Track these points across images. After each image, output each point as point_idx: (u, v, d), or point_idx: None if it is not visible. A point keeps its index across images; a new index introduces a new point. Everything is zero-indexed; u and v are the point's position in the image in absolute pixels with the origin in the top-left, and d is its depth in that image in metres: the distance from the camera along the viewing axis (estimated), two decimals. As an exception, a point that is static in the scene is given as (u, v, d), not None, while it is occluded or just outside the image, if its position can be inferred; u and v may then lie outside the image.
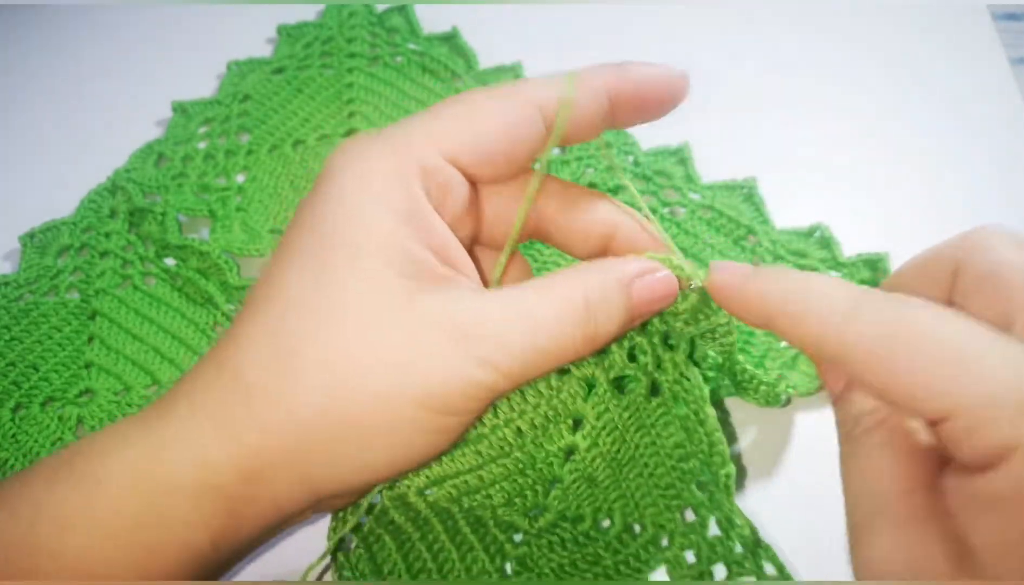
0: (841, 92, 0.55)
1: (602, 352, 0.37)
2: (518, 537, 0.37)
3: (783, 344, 0.44)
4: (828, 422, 0.42)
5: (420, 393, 0.31)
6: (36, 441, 0.43)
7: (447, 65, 0.56)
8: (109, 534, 0.29)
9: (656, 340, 0.36)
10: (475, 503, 0.37)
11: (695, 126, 0.51)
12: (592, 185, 0.50)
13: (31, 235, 0.50)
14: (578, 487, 0.37)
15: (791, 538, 0.39)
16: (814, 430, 0.43)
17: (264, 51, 0.58)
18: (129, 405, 0.44)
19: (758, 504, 0.40)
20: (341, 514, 0.38)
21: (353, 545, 0.38)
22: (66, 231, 0.50)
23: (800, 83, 0.56)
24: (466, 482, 0.37)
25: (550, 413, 0.37)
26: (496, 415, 0.37)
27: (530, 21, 0.60)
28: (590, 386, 0.37)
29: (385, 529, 0.38)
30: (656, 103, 0.35)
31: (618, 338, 0.35)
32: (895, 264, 0.45)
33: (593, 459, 0.37)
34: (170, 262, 0.49)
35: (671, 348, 0.36)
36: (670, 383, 0.36)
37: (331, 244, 0.32)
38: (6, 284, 0.48)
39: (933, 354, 0.26)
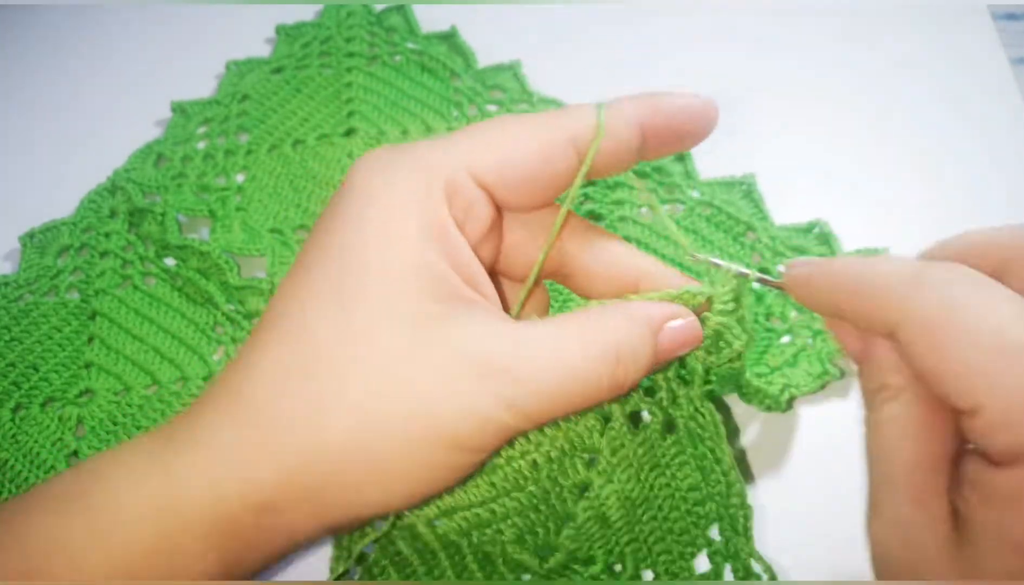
0: (841, 91, 0.55)
1: None
2: (527, 578, 0.37)
3: (784, 340, 0.44)
4: (830, 418, 0.43)
5: (445, 433, 0.30)
6: (36, 441, 0.43)
7: (446, 64, 0.56)
8: (123, 569, 0.29)
9: (671, 374, 0.36)
10: (485, 538, 0.36)
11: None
12: (590, 184, 0.50)
13: (31, 235, 0.50)
14: (591, 527, 0.36)
15: (795, 534, 0.39)
16: (817, 425, 0.43)
17: (263, 51, 0.58)
18: (129, 405, 0.44)
19: (764, 499, 0.41)
20: (345, 541, 0.37)
21: (357, 576, 0.38)
22: (66, 231, 0.50)
23: (800, 83, 0.56)
24: (478, 515, 0.36)
25: (566, 446, 0.36)
26: (513, 447, 0.36)
27: (529, 19, 0.60)
28: (606, 420, 0.37)
29: (390, 561, 0.37)
30: (689, 134, 0.34)
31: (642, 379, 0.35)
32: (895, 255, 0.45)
33: (607, 497, 0.36)
34: (170, 262, 0.49)
35: (686, 383, 0.36)
36: (685, 419, 0.36)
37: (352, 266, 0.31)
38: (6, 284, 0.48)
39: (977, 341, 0.25)
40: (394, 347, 0.30)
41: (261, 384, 0.31)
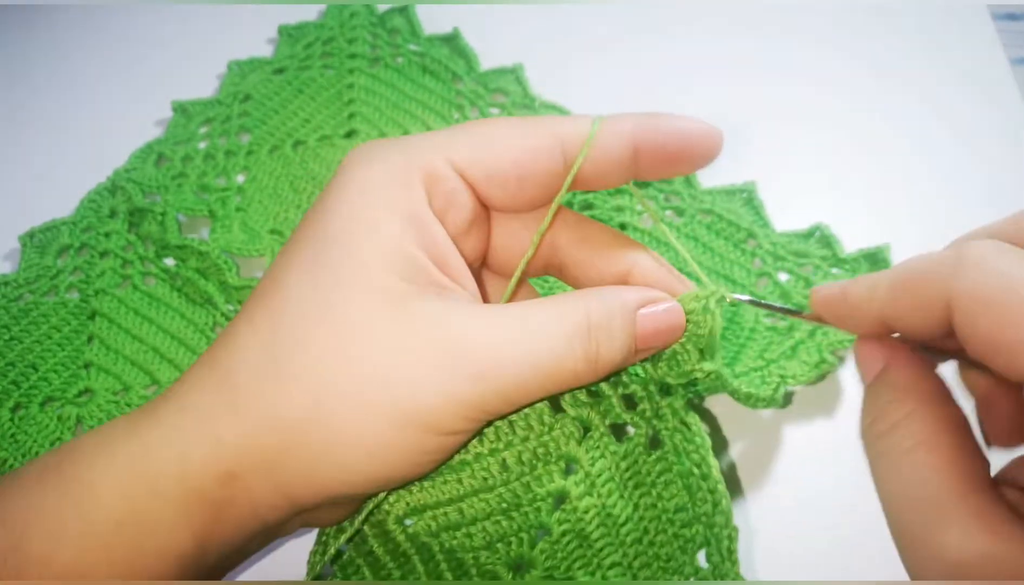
0: (841, 92, 0.55)
1: (598, 395, 0.35)
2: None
3: (782, 333, 0.44)
4: (819, 426, 0.43)
5: (406, 410, 0.30)
6: (35, 441, 0.43)
7: (448, 66, 0.56)
8: (98, 541, 0.29)
9: (652, 387, 0.35)
10: (455, 542, 0.35)
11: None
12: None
13: (31, 235, 0.50)
14: (568, 543, 0.34)
15: (785, 540, 0.39)
16: (808, 433, 0.43)
17: (265, 51, 0.58)
18: (128, 405, 0.44)
19: (753, 511, 0.41)
20: (324, 537, 0.36)
21: (332, 576, 0.36)
22: (66, 231, 0.50)
23: (800, 84, 0.56)
24: (446, 514, 0.35)
25: (540, 450, 0.35)
26: (481, 443, 0.35)
27: (532, 22, 0.60)
28: (586, 429, 0.35)
29: (364, 560, 0.36)
30: (686, 159, 0.33)
31: (622, 368, 0.34)
32: (896, 256, 0.46)
33: (586, 511, 0.34)
34: (170, 262, 0.49)
35: (669, 394, 0.35)
36: (670, 432, 0.34)
37: (330, 247, 0.32)
38: (6, 284, 0.48)
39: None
40: (363, 325, 0.30)
41: (235, 356, 0.31)
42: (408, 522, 0.35)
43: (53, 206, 0.51)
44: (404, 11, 0.59)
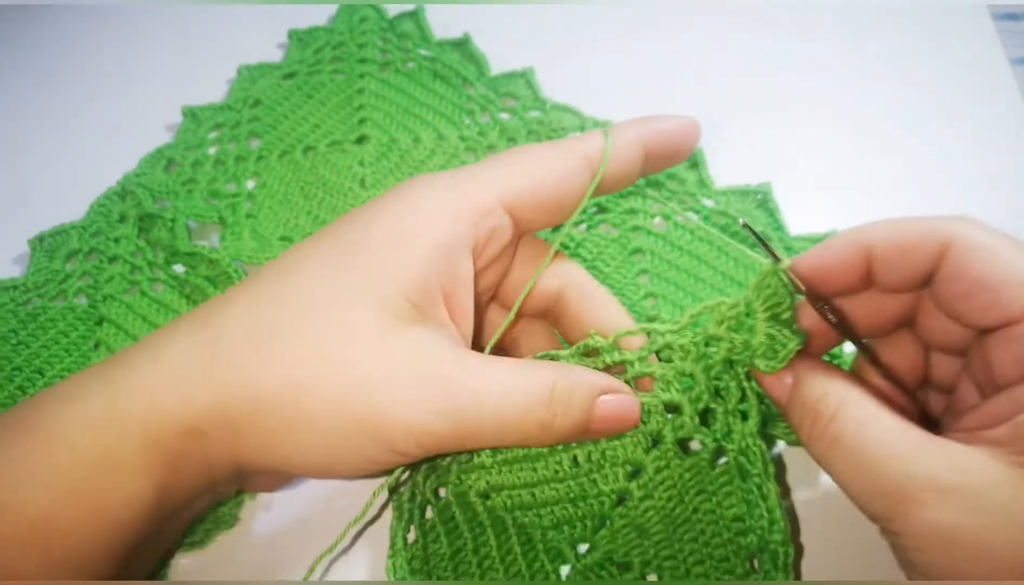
0: (841, 93, 0.55)
1: (674, 410, 0.38)
2: (566, 569, 0.38)
3: None
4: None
5: (373, 420, 0.32)
6: (41, 447, 0.43)
7: (458, 71, 0.55)
8: (67, 485, 0.30)
9: (731, 406, 0.37)
10: (526, 519, 0.38)
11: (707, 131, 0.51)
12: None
13: (40, 239, 0.50)
14: (627, 533, 0.38)
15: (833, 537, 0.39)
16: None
17: (275, 56, 0.58)
18: (135, 411, 0.44)
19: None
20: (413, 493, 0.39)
21: (412, 537, 0.39)
22: (75, 235, 0.50)
23: (799, 84, 0.56)
24: (520, 495, 0.38)
25: (608, 453, 0.38)
26: None
27: (541, 26, 0.59)
28: (655, 441, 0.38)
29: (444, 527, 0.39)
30: (682, 151, 0.40)
31: (568, 441, 0.37)
32: None
33: (645, 510, 0.37)
34: (179, 269, 0.49)
35: (744, 419, 0.37)
36: (735, 453, 0.37)
37: (361, 252, 0.34)
38: (14, 288, 0.48)
39: (1014, 264, 0.31)
40: (359, 336, 0.32)
41: (227, 321, 0.33)
42: (488, 497, 0.39)
43: (63, 210, 0.51)
44: (414, 16, 0.58)
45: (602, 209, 0.49)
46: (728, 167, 0.50)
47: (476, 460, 0.38)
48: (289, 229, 0.50)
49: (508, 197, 0.36)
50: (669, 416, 0.37)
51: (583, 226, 0.49)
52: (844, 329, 0.35)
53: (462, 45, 0.57)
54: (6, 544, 0.29)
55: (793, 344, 0.34)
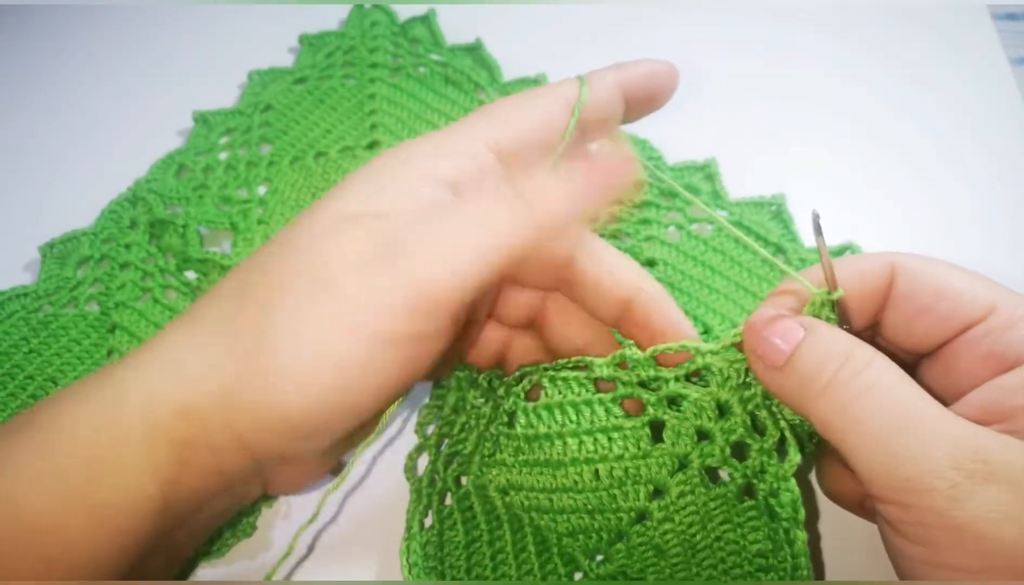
0: (840, 92, 0.55)
1: (704, 437, 0.36)
2: (579, 576, 0.38)
3: None
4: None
5: (358, 321, 0.30)
6: (55, 456, 0.42)
7: (470, 77, 0.55)
8: (66, 483, 0.29)
9: (767, 446, 0.35)
10: (543, 522, 0.38)
11: (718, 140, 0.51)
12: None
13: (51, 245, 0.49)
14: (644, 551, 0.37)
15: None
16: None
17: (286, 60, 0.58)
18: (149, 420, 0.44)
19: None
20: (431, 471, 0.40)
21: (429, 521, 0.39)
22: (86, 242, 0.49)
23: (799, 84, 0.56)
24: (538, 498, 0.38)
25: (631, 471, 0.37)
26: (580, 449, 0.37)
27: (555, 30, 0.59)
28: (682, 465, 0.37)
29: (462, 515, 0.39)
30: (659, 96, 0.40)
31: (563, 225, 0.34)
32: None
33: (664, 532, 0.37)
34: (191, 275, 0.49)
35: (781, 459, 0.35)
36: (765, 494, 0.35)
37: (345, 210, 0.33)
38: (25, 295, 0.48)
39: (971, 271, 0.33)
40: (337, 272, 0.31)
41: (210, 294, 0.33)
42: (507, 494, 0.39)
43: (73, 217, 0.50)
44: (426, 20, 0.58)
45: (616, 218, 0.49)
46: (741, 177, 0.50)
47: (498, 456, 0.38)
48: (301, 236, 0.50)
49: (492, 139, 0.36)
50: (699, 442, 0.36)
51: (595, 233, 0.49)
52: None
53: (474, 50, 0.56)
54: (4, 543, 0.28)
55: None
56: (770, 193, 0.49)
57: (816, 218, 0.33)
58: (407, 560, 0.37)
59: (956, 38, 0.57)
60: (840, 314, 0.33)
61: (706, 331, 0.45)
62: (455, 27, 0.58)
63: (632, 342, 0.36)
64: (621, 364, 0.36)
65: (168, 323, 0.33)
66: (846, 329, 0.32)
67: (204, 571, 0.40)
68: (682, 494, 0.36)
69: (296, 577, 0.40)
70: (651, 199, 0.49)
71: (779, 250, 0.47)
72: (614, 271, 0.37)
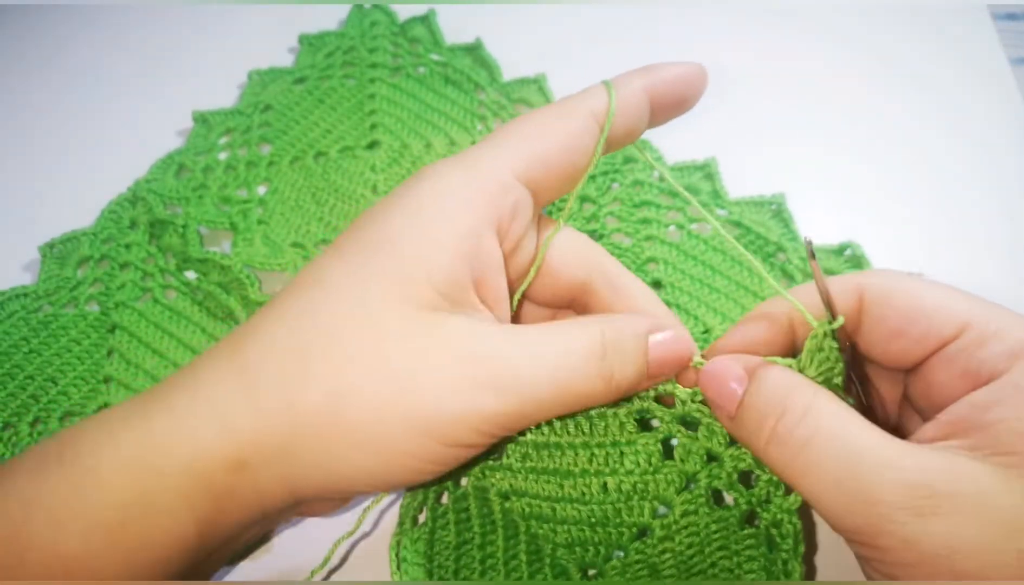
0: (840, 93, 0.55)
1: (713, 459, 0.36)
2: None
3: None
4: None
5: (424, 417, 0.30)
6: (55, 456, 0.42)
7: (470, 77, 0.55)
8: (102, 527, 0.29)
9: (776, 477, 0.35)
10: (540, 531, 0.38)
11: (717, 140, 0.51)
12: (616, 199, 0.49)
13: (51, 245, 0.49)
14: (639, 569, 0.36)
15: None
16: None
17: (285, 60, 0.58)
18: (149, 420, 0.44)
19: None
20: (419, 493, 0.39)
21: (422, 518, 0.39)
22: (86, 242, 0.49)
23: (798, 85, 0.56)
24: (540, 506, 0.37)
25: (640, 486, 0.37)
26: (591, 462, 0.37)
27: (555, 29, 0.59)
28: (688, 482, 0.37)
29: (456, 516, 0.38)
30: (691, 96, 0.37)
31: (634, 392, 0.36)
32: (895, 253, 0.47)
33: (663, 551, 0.36)
34: (191, 275, 0.48)
35: (788, 493, 0.35)
36: (767, 524, 0.35)
37: (382, 248, 0.32)
38: (25, 295, 0.48)
39: (942, 286, 0.32)
40: (394, 332, 0.31)
41: (260, 344, 0.31)
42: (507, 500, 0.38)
43: (73, 217, 0.51)
44: (425, 20, 0.58)
45: (614, 216, 0.49)
46: (741, 176, 0.50)
47: (504, 461, 0.38)
48: (301, 235, 0.50)
49: (522, 168, 0.34)
50: (709, 463, 0.36)
51: (596, 233, 0.49)
52: (861, 387, 0.35)
53: (474, 50, 0.56)
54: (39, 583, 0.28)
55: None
56: (770, 193, 0.49)
57: (809, 245, 0.33)
58: (395, 555, 0.37)
59: (956, 38, 0.57)
60: (840, 341, 0.33)
61: (706, 330, 0.45)
62: (455, 27, 0.58)
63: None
64: None
65: (207, 354, 0.32)
66: (846, 355, 0.33)
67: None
68: (686, 513, 0.36)
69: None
70: (651, 199, 0.49)
71: (779, 249, 0.47)
72: (627, 300, 0.38)
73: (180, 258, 0.49)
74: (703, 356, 0.36)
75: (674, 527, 0.36)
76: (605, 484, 0.37)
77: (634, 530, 0.37)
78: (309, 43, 0.57)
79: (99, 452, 0.30)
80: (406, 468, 0.32)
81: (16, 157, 0.55)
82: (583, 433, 0.37)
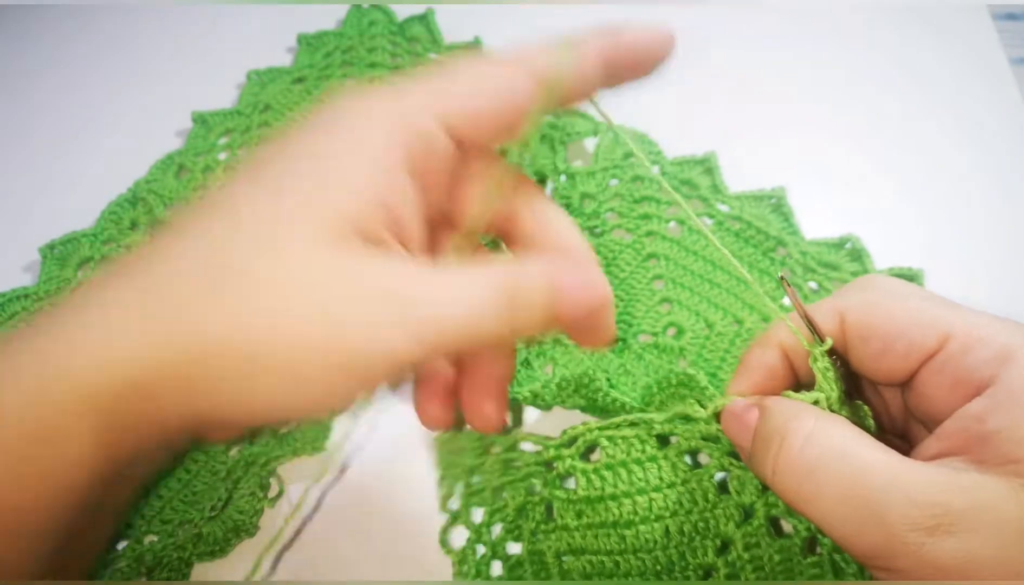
0: (839, 93, 0.55)
1: (767, 488, 0.36)
2: None
3: None
4: None
5: (342, 351, 0.29)
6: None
7: (469, 74, 0.55)
8: (9, 459, 0.28)
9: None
10: None
11: (717, 135, 0.51)
12: (617, 195, 0.49)
13: (51, 247, 0.49)
14: None
15: None
16: None
17: (284, 60, 0.58)
18: (151, 420, 0.44)
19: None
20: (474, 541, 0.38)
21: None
22: (87, 243, 0.49)
23: (797, 85, 0.56)
24: (603, 562, 0.37)
25: (700, 525, 0.36)
26: (650, 508, 0.36)
27: (552, 28, 0.59)
28: (747, 515, 0.36)
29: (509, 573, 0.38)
30: (649, 65, 0.36)
31: (541, 332, 0.34)
32: (894, 251, 0.46)
33: None
34: (191, 274, 0.48)
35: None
36: (830, 549, 0.35)
37: (301, 177, 0.31)
38: (26, 296, 0.48)
39: (920, 299, 0.32)
40: (307, 270, 0.30)
41: (165, 269, 0.30)
42: (565, 558, 0.37)
43: (72, 218, 0.50)
44: (424, 19, 0.58)
45: (614, 211, 0.49)
46: (741, 171, 0.50)
47: (559, 521, 0.37)
48: (301, 235, 0.50)
49: (443, 112, 0.33)
50: (764, 492, 0.36)
51: (597, 229, 0.49)
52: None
53: (473, 48, 0.57)
54: None
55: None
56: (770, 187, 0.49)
57: (783, 279, 0.33)
58: None
59: (956, 38, 0.58)
60: (840, 359, 0.33)
61: (708, 326, 0.45)
62: (452, 27, 0.58)
63: (693, 400, 0.36)
64: (685, 416, 0.36)
65: (105, 276, 0.31)
66: (841, 372, 0.33)
67: (204, 568, 0.40)
68: (748, 546, 0.36)
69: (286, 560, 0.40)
70: (651, 194, 0.49)
71: (779, 243, 0.47)
72: (551, 237, 0.36)
73: (181, 258, 0.49)
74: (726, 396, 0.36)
75: (738, 563, 0.36)
76: (667, 528, 0.36)
77: (699, 572, 0.36)
78: (307, 43, 0.57)
79: (1, 383, 0.29)
80: (316, 402, 0.31)
81: (14, 158, 0.55)
82: (637, 479, 0.37)
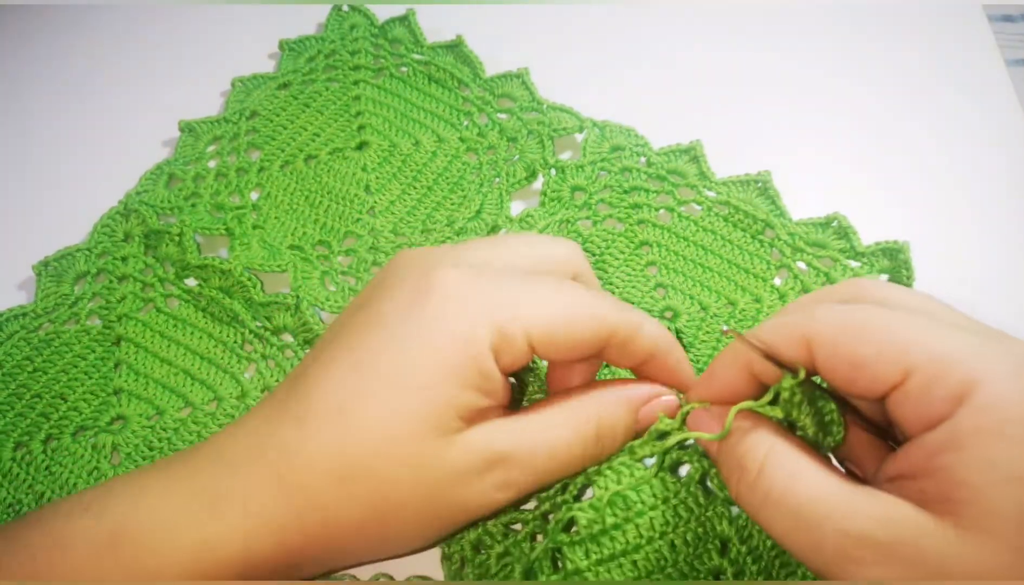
0: (837, 94, 0.56)
1: None
2: None
3: None
4: None
5: (445, 515, 0.35)
6: (72, 472, 0.42)
7: (453, 74, 0.56)
8: None
9: None
10: None
11: (701, 123, 0.52)
12: (607, 187, 0.51)
13: (45, 263, 0.49)
14: None
15: None
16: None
17: (267, 66, 0.58)
18: (164, 429, 0.44)
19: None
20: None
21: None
22: (81, 258, 0.49)
23: (796, 85, 0.57)
24: None
25: (699, 530, 0.37)
26: (652, 528, 0.37)
27: (534, 25, 0.60)
28: (734, 507, 0.37)
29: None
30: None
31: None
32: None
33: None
34: (191, 282, 0.49)
35: None
36: None
37: (401, 377, 0.34)
38: (23, 315, 0.47)
39: (886, 325, 0.31)
40: (422, 455, 0.34)
41: (304, 465, 0.34)
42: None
43: (63, 233, 0.50)
44: (405, 20, 0.59)
45: (605, 203, 0.50)
46: (726, 157, 0.51)
47: (569, 566, 0.37)
48: (298, 238, 0.51)
49: (531, 334, 0.36)
50: None
51: (588, 221, 0.50)
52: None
53: (455, 47, 0.57)
54: None
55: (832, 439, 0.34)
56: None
57: (727, 332, 0.35)
58: None
59: (952, 39, 0.58)
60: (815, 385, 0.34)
61: (703, 309, 0.47)
62: (433, 27, 0.59)
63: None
64: (660, 436, 0.38)
65: (249, 453, 0.35)
66: (826, 393, 0.35)
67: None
68: (743, 539, 0.37)
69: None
70: (640, 183, 0.51)
71: (767, 226, 0.48)
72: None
73: (179, 266, 0.49)
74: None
75: (740, 559, 0.37)
76: (672, 543, 0.37)
77: (710, 577, 0.37)
78: (290, 48, 0.58)
79: (159, 552, 0.32)
80: (426, 540, 0.37)
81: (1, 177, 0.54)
82: (634, 503, 0.37)
